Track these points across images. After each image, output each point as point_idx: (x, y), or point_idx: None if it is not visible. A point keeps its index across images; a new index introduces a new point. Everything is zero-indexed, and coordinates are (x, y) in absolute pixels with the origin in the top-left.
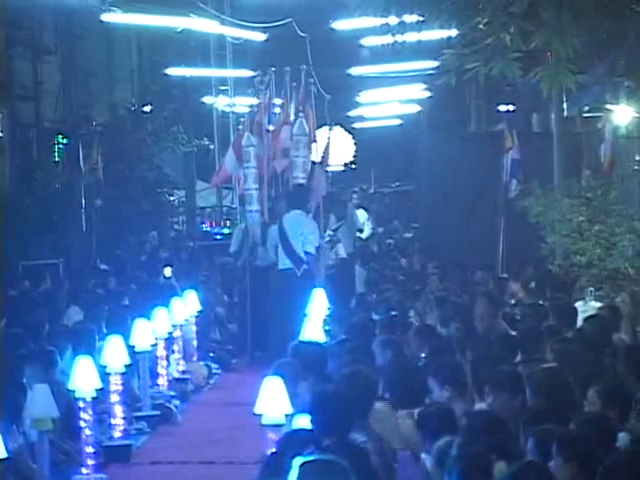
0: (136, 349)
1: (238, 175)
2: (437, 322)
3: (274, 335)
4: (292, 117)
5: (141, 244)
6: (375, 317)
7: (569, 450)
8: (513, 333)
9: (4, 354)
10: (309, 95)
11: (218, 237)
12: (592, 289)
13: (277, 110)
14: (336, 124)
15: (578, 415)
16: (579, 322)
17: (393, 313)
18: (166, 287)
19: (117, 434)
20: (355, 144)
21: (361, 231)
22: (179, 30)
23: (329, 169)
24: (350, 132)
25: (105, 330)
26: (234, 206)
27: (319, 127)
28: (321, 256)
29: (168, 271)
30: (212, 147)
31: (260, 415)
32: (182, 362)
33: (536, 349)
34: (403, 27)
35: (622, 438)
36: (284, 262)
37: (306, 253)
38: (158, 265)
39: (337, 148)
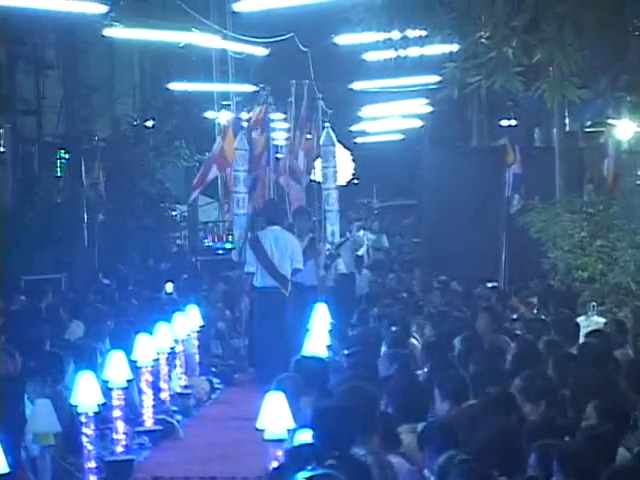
0: (138, 364)
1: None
2: (439, 337)
3: (267, 353)
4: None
5: (143, 259)
6: (380, 331)
7: (570, 465)
8: (515, 348)
9: (5, 369)
10: (315, 109)
11: (220, 252)
12: (594, 304)
13: (276, 125)
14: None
15: (579, 430)
16: (581, 337)
17: (394, 328)
18: (168, 303)
19: (119, 449)
20: (354, 160)
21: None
22: (181, 45)
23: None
24: (348, 148)
25: (107, 345)
26: None
27: None
28: (327, 270)
29: (170, 287)
30: None
31: (262, 430)
32: (184, 377)
33: (538, 364)
34: (405, 42)
35: (621, 453)
36: (265, 280)
37: (295, 270)
38: (160, 280)
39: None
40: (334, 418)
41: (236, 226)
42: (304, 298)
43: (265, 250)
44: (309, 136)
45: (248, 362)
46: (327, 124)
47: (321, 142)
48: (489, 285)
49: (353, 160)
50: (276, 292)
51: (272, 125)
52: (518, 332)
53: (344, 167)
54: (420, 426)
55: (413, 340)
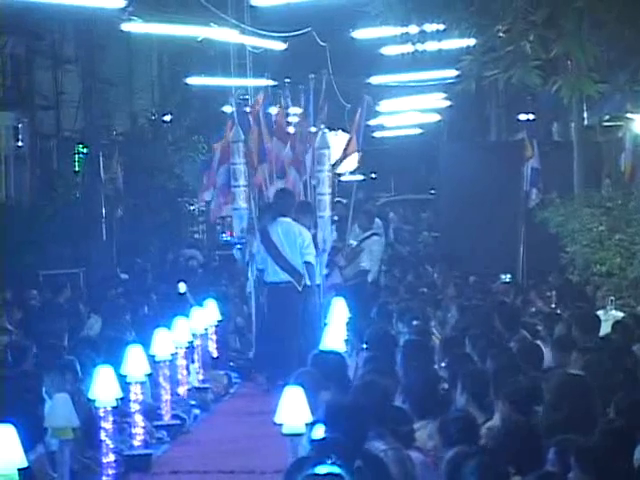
0: (156, 358)
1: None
2: (458, 331)
3: (281, 351)
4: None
5: (162, 254)
6: (399, 326)
7: (587, 461)
8: (534, 342)
9: (27, 364)
10: (360, 105)
11: (238, 246)
12: (613, 298)
13: (292, 119)
14: (339, 129)
15: (598, 426)
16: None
17: (415, 322)
18: (181, 302)
19: (137, 443)
20: (368, 154)
21: None
22: (199, 40)
23: (345, 179)
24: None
25: (125, 339)
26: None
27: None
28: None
29: (183, 287)
30: None
31: (280, 424)
32: (202, 371)
33: (558, 358)
34: (423, 36)
35: None
36: (277, 275)
37: (306, 263)
38: (179, 275)
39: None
40: (346, 414)
41: (236, 221)
42: (307, 296)
43: (275, 243)
44: (313, 129)
45: (256, 362)
46: (322, 126)
47: (315, 145)
48: (503, 277)
49: (358, 151)
50: (289, 287)
51: (289, 119)
52: (538, 327)
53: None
54: (433, 423)
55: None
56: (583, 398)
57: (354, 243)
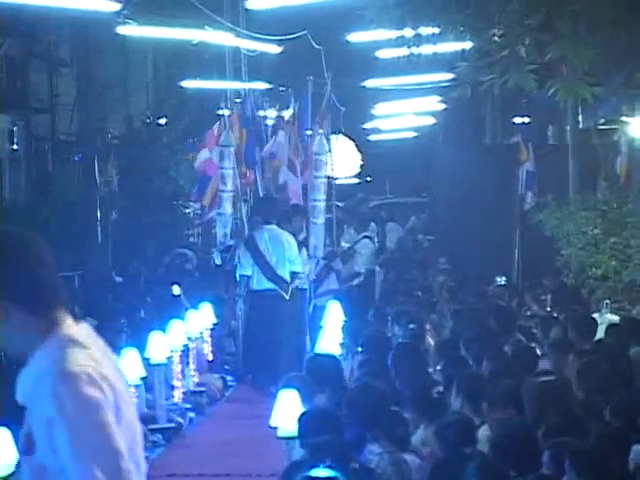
0: (151, 362)
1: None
2: (453, 334)
3: (266, 358)
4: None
5: (157, 257)
6: (395, 328)
7: (582, 464)
8: (529, 345)
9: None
10: (328, 108)
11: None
12: (608, 301)
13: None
14: (339, 132)
15: (590, 425)
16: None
17: (411, 326)
18: (175, 305)
19: None
20: (363, 157)
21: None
22: (194, 43)
23: (339, 182)
24: (355, 141)
25: (120, 343)
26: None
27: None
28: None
29: (177, 289)
30: None
31: (275, 427)
32: (197, 374)
33: (554, 361)
34: (418, 39)
35: (636, 451)
36: (263, 283)
37: (293, 273)
38: (173, 278)
39: (342, 159)
40: (320, 421)
41: (220, 226)
42: (292, 302)
43: (262, 251)
44: (309, 132)
45: (243, 369)
46: (321, 130)
47: (314, 150)
48: (498, 280)
49: (362, 157)
50: (274, 295)
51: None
52: (533, 330)
53: (350, 161)
54: (428, 427)
55: (428, 338)
56: (565, 400)
57: (346, 246)
